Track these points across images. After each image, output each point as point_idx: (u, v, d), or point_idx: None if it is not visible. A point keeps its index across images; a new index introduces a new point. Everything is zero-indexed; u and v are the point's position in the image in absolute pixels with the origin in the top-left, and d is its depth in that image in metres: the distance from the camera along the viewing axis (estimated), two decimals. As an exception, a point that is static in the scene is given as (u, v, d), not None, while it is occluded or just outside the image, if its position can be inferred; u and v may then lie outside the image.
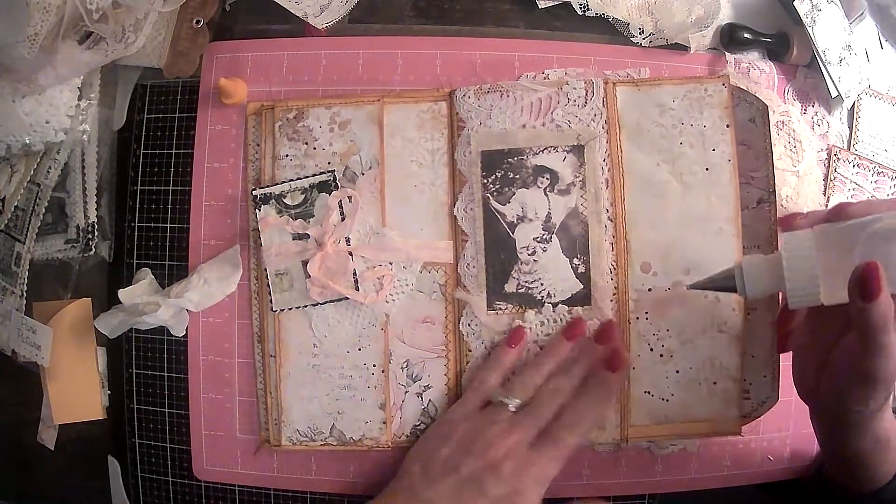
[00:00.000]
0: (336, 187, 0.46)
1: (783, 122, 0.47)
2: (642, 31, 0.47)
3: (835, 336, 0.39)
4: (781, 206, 0.46)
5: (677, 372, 0.45)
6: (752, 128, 0.47)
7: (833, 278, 0.36)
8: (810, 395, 0.42)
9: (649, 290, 0.45)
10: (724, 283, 0.40)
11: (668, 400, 0.45)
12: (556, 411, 0.43)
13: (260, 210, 0.46)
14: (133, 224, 0.49)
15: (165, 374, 0.48)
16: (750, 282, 0.39)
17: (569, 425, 0.42)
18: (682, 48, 0.48)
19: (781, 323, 0.45)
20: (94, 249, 0.49)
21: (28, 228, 0.49)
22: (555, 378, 0.44)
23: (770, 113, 0.47)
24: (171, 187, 0.48)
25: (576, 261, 0.45)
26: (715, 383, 0.45)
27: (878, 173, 0.49)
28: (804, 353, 0.42)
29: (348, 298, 0.45)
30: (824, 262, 0.37)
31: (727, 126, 0.46)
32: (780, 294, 0.44)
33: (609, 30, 0.48)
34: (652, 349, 0.46)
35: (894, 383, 0.37)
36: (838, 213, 0.39)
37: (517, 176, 0.46)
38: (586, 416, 0.43)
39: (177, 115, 0.49)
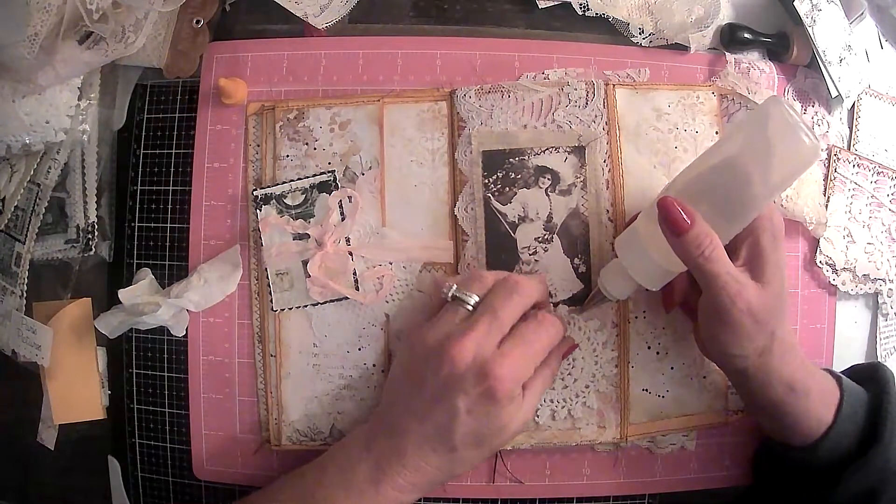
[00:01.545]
0: (336, 187, 0.46)
1: (783, 123, 0.47)
2: (642, 31, 0.47)
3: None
4: (782, 206, 0.46)
5: (672, 368, 0.46)
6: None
7: (667, 249, 0.38)
8: (709, 357, 0.44)
9: (647, 289, 0.45)
10: (598, 296, 0.43)
11: (663, 396, 0.46)
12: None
13: (261, 210, 0.46)
14: (133, 224, 0.49)
15: (165, 374, 0.48)
16: (611, 287, 0.42)
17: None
18: (682, 48, 0.48)
19: (666, 302, 0.45)
20: (94, 249, 0.48)
21: (28, 228, 0.49)
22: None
23: (770, 113, 0.47)
24: (171, 187, 0.48)
25: (577, 261, 0.45)
26: (704, 377, 0.46)
27: (878, 173, 0.49)
28: (694, 324, 0.44)
29: (348, 298, 0.46)
30: (652, 240, 0.39)
31: (716, 133, 0.47)
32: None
33: (609, 30, 0.48)
34: (650, 347, 0.46)
35: (757, 315, 0.37)
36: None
37: (518, 176, 0.46)
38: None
39: (177, 115, 0.49)
